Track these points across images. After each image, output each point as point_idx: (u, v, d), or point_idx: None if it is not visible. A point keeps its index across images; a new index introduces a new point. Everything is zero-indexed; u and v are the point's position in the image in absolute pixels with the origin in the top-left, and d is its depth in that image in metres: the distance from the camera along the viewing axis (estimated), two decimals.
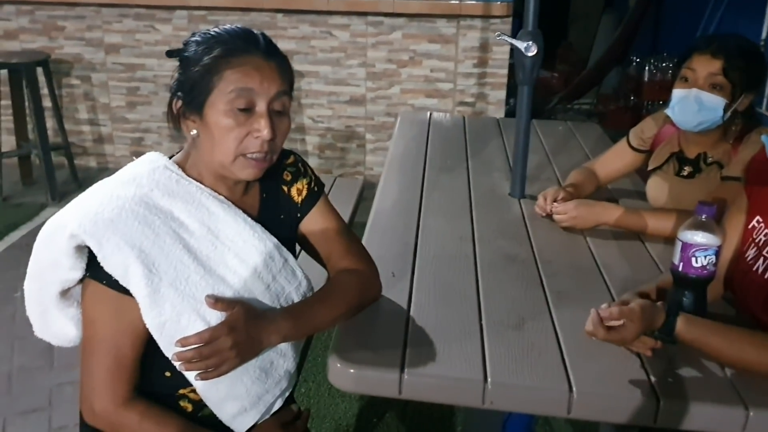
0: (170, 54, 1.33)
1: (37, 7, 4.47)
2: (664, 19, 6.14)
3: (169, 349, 1.26)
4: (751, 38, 3.81)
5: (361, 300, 1.46)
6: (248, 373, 1.33)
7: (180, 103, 1.29)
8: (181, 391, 1.35)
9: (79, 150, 4.72)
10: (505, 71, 4.42)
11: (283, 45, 4.17)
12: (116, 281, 1.23)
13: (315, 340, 2.72)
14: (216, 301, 1.25)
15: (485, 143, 2.76)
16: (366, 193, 3.23)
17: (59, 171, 4.36)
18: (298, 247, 1.52)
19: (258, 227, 1.35)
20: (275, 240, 1.36)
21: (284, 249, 1.37)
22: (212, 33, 1.29)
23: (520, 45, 2.05)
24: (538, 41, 2.06)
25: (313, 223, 1.47)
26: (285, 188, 1.44)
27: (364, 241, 1.82)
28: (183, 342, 1.22)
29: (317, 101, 4.57)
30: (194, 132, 1.29)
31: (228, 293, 1.28)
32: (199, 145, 1.31)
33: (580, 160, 2.57)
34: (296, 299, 1.39)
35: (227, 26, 1.31)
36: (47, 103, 4.25)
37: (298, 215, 1.46)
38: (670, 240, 1.88)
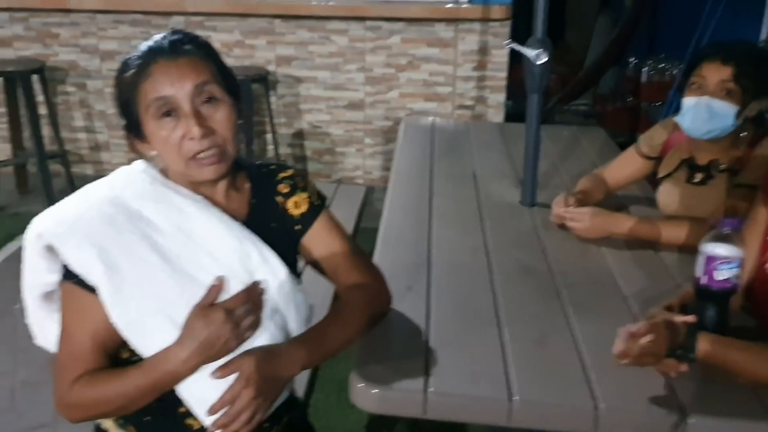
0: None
1: (31, 14, 4.43)
2: (661, 19, 6.14)
3: (141, 349, 1.24)
4: (750, 39, 3.82)
5: (372, 315, 1.43)
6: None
7: (125, 130, 1.31)
8: (182, 409, 1.32)
9: (76, 158, 4.68)
10: (504, 74, 4.41)
11: (280, 50, 4.12)
12: (83, 280, 1.23)
13: None
14: (223, 369, 1.22)
15: (490, 149, 2.75)
16: (367, 198, 3.22)
17: (55, 179, 4.31)
18: (302, 264, 1.49)
19: (235, 225, 1.32)
20: (254, 238, 1.32)
21: (265, 248, 1.32)
22: (132, 52, 1.29)
23: (530, 53, 2.04)
24: (547, 49, 2.05)
25: (316, 238, 1.44)
26: (280, 199, 1.41)
27: (376, 252, 1.81)
28: (210, 411, 1.22)
29: (316, 106, 4.54)
30: (153, 152, 1.30)
31: (200, 292, 1.25)
32: (162, 157, 1.31)
33: (588, 166, 2.56)
34: (278, 300, 1.33)
35: (148, 40, 1.30)
36: (42, 110, 4.21)
37: (297, 228, 1.42)
38: (683, 249, 1.88)
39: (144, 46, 1.29)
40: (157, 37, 1.30)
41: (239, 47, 4.43)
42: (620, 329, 1.30)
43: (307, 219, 1.43)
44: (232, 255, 1.29)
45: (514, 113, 4.56)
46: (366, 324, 1.40)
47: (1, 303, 3.24)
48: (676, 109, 4.63)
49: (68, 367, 1.25)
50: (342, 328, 1.36)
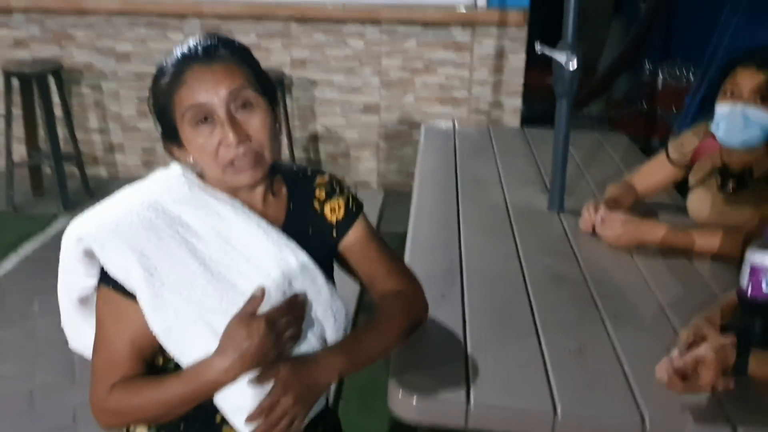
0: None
1: (47, 16, 4.42)
2: (676, 24, 6.11)
3: (179, 356, 1.23)
4: None
5: (410, 323, 1.41)
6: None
7: (162, 136, 1.30)
8: (219, 417, 1.30)
9: (90, 159, 4.67)
10: (521, 79, 4.39)
11: (296, 53, 4.11)
12: (122, 285, 1.21)
13: None
14: (260, 377, 1.20)
15: (514, 154, 2.73)
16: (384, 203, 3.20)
17: (70, 181, 4.30)
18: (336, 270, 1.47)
19: (274, 232, 1.30)
20: (293, 245, 1.30)
21: (302, 254, 1.31)
22: (167, 58, 1.27)
23: (561, 58, 2.02)
24: (578, 53, 2.03)
25: (352, 244, 1.42)
26: (317, 205, 1.40)
27: (406, 259, 1.79)
28: (248, 420, 1.20)
29: (331, 110, 4.53)
30: (190, 159, 1.29)
31: (239, 300, 1.23)
32: (199, 164, 1.30)
33: (613, 172, 2.54)
34: (316, 308, 1.32)
35: (180, 45, 1.28)
36: (58, 112, 4.20)
37: (334, 234, 1.41)
38: (717, 258, 1.86)
39: (178, 51, 1.27)
40: (191, 42, 1.28)
41: (255, 50, 4.25)
42: (664, 359, 1.27)
43: (344, 225, 1.41)
44: (272, 262, 1.27)
45: (527, 117, 4.54)
46: (404, 332, 1.38)
47: (19, 305, 3.24)
48: (693, 115, 4.61)
49: (105, 373, 1.24)
50: (380, 335, 1.34)
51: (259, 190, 1.33)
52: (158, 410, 1.23)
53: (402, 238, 1.97)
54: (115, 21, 4.42)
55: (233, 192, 1.31)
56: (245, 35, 4.38)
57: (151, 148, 4.65)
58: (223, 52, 1.25)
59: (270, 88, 1.31)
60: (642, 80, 5.80)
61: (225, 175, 1.26)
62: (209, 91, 1.21)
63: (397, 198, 4.40)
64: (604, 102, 6.51)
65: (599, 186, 2.39)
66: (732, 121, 1.86)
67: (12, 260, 3.67)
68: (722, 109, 1.89)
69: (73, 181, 4.39)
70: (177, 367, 1.27)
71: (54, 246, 3.73)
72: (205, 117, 1.22)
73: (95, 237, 1.21)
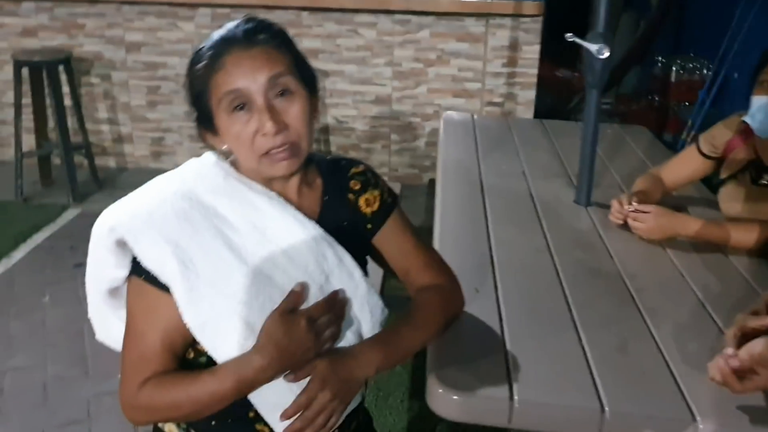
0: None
1: (56, 5, 4.37)
2: (688, 18, 6.06)
3: (213, 351, 1.19)
4: None
5: (447, 317, 1.37)
6: None
7: (197, 122, 1.25)
8: (252, 414, 1.26)
9: (98, 150, 4.62)
10: (535, 71, 4.35)
11: (307, 43, 4.07)
12: (155, 277, 1.17)
13: None
14: (297, 372, 1.16)
15: (535, 147, 2.68)
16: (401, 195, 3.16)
17: (78, 171, 4.25)
18: (370, 262, 1.42)
19: (310, 224, 1.25)
20: (330, 238, 1.26)
21: (339, 248, 1.27)
22: (204, 42, 1.22)
23: (592, 47, 1.97)
24: (609, 43, 1.98)
25: (388, 236, 1.37)
26: (351, 196, 1.35)
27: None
28: (284, 416, 1.16)
29: (342, 101, 4.48)
30: (224, 147, 1.24)
31: (276, 294, 1.19)
32: (233, 152, 1.25)
33: (637, 165, 2.50)
34: (353, 303, 1.27)
35: (219, 28, 1.23)
36: (67, 102, 4.15)
37: (368, 227, 1.36)
38: (753, 253, 1.82)
39: (216, 35, 1.22)
40: (230, 25, 1.23)
41: None
42: (718, 357, 1.22)
43: (379, 218, 1.36)
44: (308, 255, 1.23)
45: (537, 109, 4.49)
46: (442, 327, 1.34)
47: (29, 296, 3.20)
48: (708, 110, 4.56)
49: (137, 368, 1.19)
50: (418, 330, 1.30)
51: (294, 181, 1.28)
52: (191, 408, 1.18)
53: (417, 230, 1.93)
54: (125, 10, 4.37)
55: (267, 182, 1.26)
56: None
57: (159, 138, 4.60)
58: (262, 36, 1.20)
59: (310, 75, 1.26)
60: (653, 74, 5.75)
61: (260, 165, 1.21)
62: (247, 76, 1.16)
63: (409, 191, 4.36)
64: (614, 96, 6.46)
65: (625, 179, 2.35)
66: None
67: (21, 251, 3.62)
68: (759, 101, 1.85)
69: (82, 172, 4.34)
70: (209, 360, 1.23)
71: (63, 236, 3.74)
72: (242, 104, 1.17)
73: (129, 228, 1.17)
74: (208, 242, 1.18)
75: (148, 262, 1.17)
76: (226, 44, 1.19)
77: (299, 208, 1.27)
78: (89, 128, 4.45)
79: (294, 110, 1.20)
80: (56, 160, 4.33)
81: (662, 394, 1.26)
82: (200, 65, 1.20)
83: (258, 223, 1.23)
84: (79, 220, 3.94)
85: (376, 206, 1.36)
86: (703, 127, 4.46)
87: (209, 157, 1.29)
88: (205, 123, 1.24)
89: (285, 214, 1.24)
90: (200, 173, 1.26)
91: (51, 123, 4.24)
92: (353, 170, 1.38)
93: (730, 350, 1.22)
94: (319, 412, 1.16)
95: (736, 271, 1.75)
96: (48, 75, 3.96)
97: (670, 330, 1.46)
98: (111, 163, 4.69)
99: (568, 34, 2.01)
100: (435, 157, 4.47)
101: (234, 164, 1.28)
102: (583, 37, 2.02)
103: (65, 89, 4.13)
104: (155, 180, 1.27)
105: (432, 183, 4.47)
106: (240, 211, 1.23)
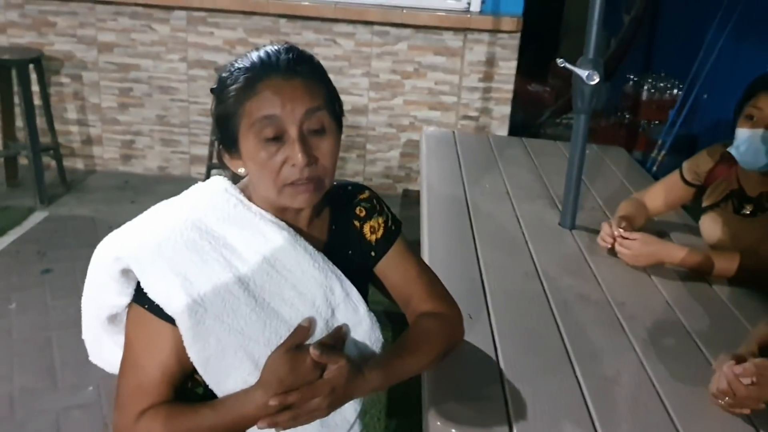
0: (212, 91, 1.25)
1: (27, 2, 4.26)
2: (660, 38, 6.17)
3: (215, 386, 1.17)
4: (758, 65, 3.84)
5: (448, 346, 1.37)
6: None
7: (218, 142, 1.24)
8: None
9: (67, 151, 4.51)
10: (511, 86, 4.37)
11: None
12: (159, 308, 1.15)
13: None
14: (321, 353, 1.14)
15: (518, 165, 2.70)
16: None
17: (46, 173, 4.15)
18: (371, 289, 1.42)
19: (319, 257, 1.24)
20: (338, 272, 1.26)
21: (347, 282, 1.27)
22: (237, 63, 1.20)
23: (582, 73, 1.99)
24: (599, 70, 2.00)
25: (391, 264, 1.37)
26: (357, 223, 1.35)
27: None
28: (276, 399, 1.11)
29: None
30: (241, 170, 1.23)
31: (283, 328, 1.18)
32: (251, 179, 1.24)
33: (617, 187, 2.53)
34: (355, 337, 1.28)
35: (256, 50, 1.21)
36: (36, 101, 4.04)
37: (372, 254, 1.36)
38: (734, 281, 1.85)
39: (254, 57, 1.19)
40: (270, 50, 1.20)
41: (242, 45, 4.31)
42: (724, 367, 1.25)
43: (383, 245, 1.36)
44: (317, 289, 1.22)
45: (511, 125, 4.53)
46: (441, 354, 1.35)
47: None
48: (679, 130, 4.63)
49: (135, 399, 1.17)
50: (418, 357, 1.30)
51: (306, 212, 1.27)
52: None
53: (419, 255, 1.93)
54: (98, 10, 4.27)
55: (280, 211, 1.24)
56: (232, 30, 4.29)
57: (130, 141, 4.51)
58: (304, 68, 1.18)
59: (340, 111, 1.25)
60: (624, 92, 5.85)
61: (281, 194, 1.19)
62: (285, 105, 1.14)
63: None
64: None
65: (606, 202, 2.38)
66: (753, 145, 1.86)
67: None
68: (744, 133, 1.89)
69: (49, 173, 4.23)
70: (206, 390, 1.20)
71: (30, 241, 3.65)
72: (275, 134, 1.15)
73: (136, 258, 1.14)
74: (216, 274, 1.16)
75: (154, 294, 1.14)
76: (265, 70, 1.16)
77: (308, 238, 1.26)
78: (58, 129, 4.34)
79: (325, 146, 1.18)
80: (23, 161, 4.22)
81: (656, 425, 1.27)
82: (233, 86, 1.17)
83: (268, 255, 1.21)
84: (46, 223, 3.84)
85: (380, 233, 1.35)
86: (673, 146, 4.56)
87: (219, 182, 1.27)
88: (227, 144, 1.22)
89: (296, 246, 1.22)
90: (210, 201, 1.23)
91: (19, 123, 4.13)
92: (359, 196, 1.37)
93: (733, 364, 1.25)
94: (308, 413, 1.14)
95: (719, 299, 1.79)
96: (18, 74, 3.85)
97: (661, 361, 1.47)
98: (79, 165, 4.58)
99: (560, 60, 2.02)
100: (410, 168, 4.48)
101: (244, 191, 1.26)
102: (554, 53, 2.03)
103: (34, 88, 4.03)
104: (163, 205, 1.25)
105: (406, 193, 4.48)
106: (250, 241, 1.20)
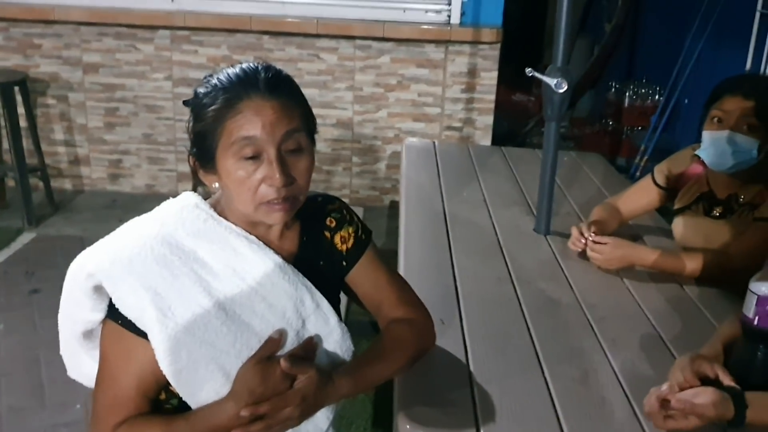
0: (185, 104, 1.29)
1: (12, 24, 4.30)
2: (642, 45, 6.24)
3: (189, 397, 1.20)
4: (734, 70, 3.90)
5: (418, 351, 1.40)
6: None
7: (194, 157, 1.26)
8: None
9: (54, 172, 4.54)
10: (493, 97, 4.42)
11: None
12: (132, 323, 1.18)
13: None
14: (291, 365, 1.17)
15: (496, 174, 2.74)
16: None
17: (33, 194, 4.17)
18: (343, 298, 1.44)
19: (289, 269, 1.27)
20: (308, 283, 1.28)
21: (317, 293, 1.29)
22: (216, 79, 1.22)
23: (551, 81, 2.03)
24: (567, 78, 2.04)
25: (362, 272, 1.40)
26: (328, 234, 1.37)
27: None
28: (253, 410, 1.15)
29: None
30: (215, 185, 1.26)
31: (254, 340, 1.20)
32: (225, 193, 1.26)
33: (594, 194, 2.57)
34: (326, 347, 1.30)
35: (232, 67, 1.23)
36: (22, 123, 4.07)
37: (344, 264, 1.39)
38: (702, 281, 1.89)
39: (230, 75, 1.21)
40: (247, 68, 1.22)
41: (226, 62, 4.35)
42: (653, 392, 1.26)
43: (354, 255, 1.38)
44: (287, 301, 1.25)
45: (494, 133, 4.58)
46: (411, 360, 1.37)
47: None
48: (661, 135, 4.70)
49: (111, 412, 1.19)
50: (388, 363, 1.32)
51: (278, 226, 1.29)
52: None
53: (390, 263, 1.95)
54: (83, 31, 4.31)
55: (251, 225, 1.27)
56: (216, 48, 4.33)
57: (117, 160, 4.54)
58: (283, 89, 1.21)
59: (314, 130, 1.28)
60: (607, 99, 5.91)
61: (257, 211, 1.21)
62: (266, 127, 1.16)
63: (370, 213, 4.38)
64: (569, 119, 6.60)
65: (582, 207, 2.41)
66: (719, 147, 1.89)
67: None
68: (709, 135, 1.92)
69: (37, 194, 4.26)
70: (180, 402, 1.23)
71: (18, 261, 3.67)
72: (254, 153, 1.17)
73: (108, 274, 1.17)
74: (187, 288, 1.19)
75: (126, 309, 1.17)
76: (245, 88, 1.18)
77: (279, 250, 1.28)
78: (45, 150, 4.37)
79: (301, 165, 1.21)
80: (11, 183, 4.24)
81: (623, 424, 1.30)
82: (212, 104, 1.19)
83: (238, 268, 1.23)
84: (34, 244, 3.86)
85: (350, 243, 1.38)
86: (656, 152, 4.61)
87: (189, 198, 1.29)
88: (203, 160, 1.24)
89: (266, 260, 1.25)
90: (181, 216, 1.26)
91: (5, 144, 4.15)
92: (329, 207, 1.39)
93: (665, 387, 1.26)
94: (281, 421, 1.16)
95: (689, 300, 1.82)
96: (3, 96, 3.88)
97: (628, 360, 1.50)
98: (67, 185, 4.61)
99: (528, 69, 2.06)
100: (396, 179, 4.52)
101: (215, 205, 1.29)
102: (538, 63, 2.08)
103: (20, 110, 4.06)
104: (134, 222, 1.27)
105: (393, 205, 4.51)
106: (220, 255, 1.23)
